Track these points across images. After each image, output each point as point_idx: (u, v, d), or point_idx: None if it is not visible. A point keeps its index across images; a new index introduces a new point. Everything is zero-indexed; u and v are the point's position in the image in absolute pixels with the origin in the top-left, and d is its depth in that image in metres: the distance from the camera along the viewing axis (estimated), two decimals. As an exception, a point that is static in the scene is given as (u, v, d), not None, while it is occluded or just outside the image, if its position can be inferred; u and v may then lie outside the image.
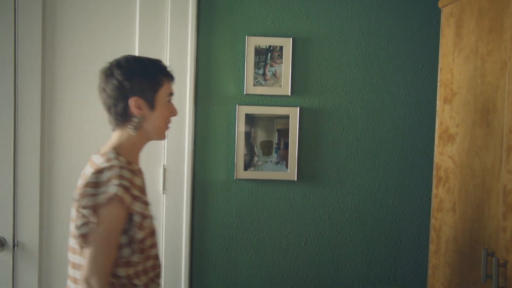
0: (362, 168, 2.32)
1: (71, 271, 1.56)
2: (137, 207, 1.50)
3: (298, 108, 2.28)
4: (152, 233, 1.58)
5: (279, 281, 2.31)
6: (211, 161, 2.29)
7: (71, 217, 1.54)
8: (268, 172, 2.29)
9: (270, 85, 2.29)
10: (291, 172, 2.29)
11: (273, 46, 2.28)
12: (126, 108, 1.54)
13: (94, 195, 1.44)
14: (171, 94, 1.61)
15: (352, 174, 2.32)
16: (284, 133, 2.29)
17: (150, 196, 1.69)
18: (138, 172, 1.58)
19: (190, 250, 2.27)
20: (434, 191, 1.94)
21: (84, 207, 1.43)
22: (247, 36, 2.27)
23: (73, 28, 2.25)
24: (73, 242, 1.53)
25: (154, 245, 1.60)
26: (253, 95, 2.29)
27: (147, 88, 1.54)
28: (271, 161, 2.29)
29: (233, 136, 2.28)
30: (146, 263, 1.56)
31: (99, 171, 1.46)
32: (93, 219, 1.43)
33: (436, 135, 1.94)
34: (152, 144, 2.25)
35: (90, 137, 2.26)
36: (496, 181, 1.58)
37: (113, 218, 1.45)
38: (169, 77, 1.60)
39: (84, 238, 1.44)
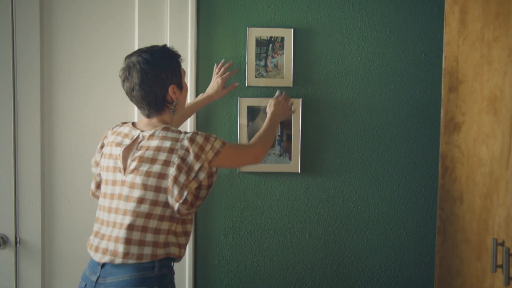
0: (366, 159, 2.30)
1: (111, 217, 1.70)
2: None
3: (301, 99, 2.25)
4: None
5: (283, 274, 2.29)
6: (214, 154, 2.26)
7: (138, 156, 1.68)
8: (271, 164, 2.27)
9: (272, 77, 2.26)
10: (294, 164, 2.27)
11: (274, 37, 2.25)
12: (165, 96, 1.75)
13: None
14: (184, 72, 1.84)
15: (356, 165, 2.30)
16: (286, 125, 2.26)
17: (154, 190, 1.66)
18: None
19: (194, 244, 2.25)
20: (440, 181, 1.92)
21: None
22: (248, 27, 2.24)
23: (70, 22, 2.22)
24: (126, 190, 1.68)
25: None
26: (255, 87, 2.26)
27: (177, 74, 1.77)
28: (274, 154, 2.26)
29: (235, 129, 2.26)
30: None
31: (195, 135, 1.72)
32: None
33: (442, 124, 1.92)
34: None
35: (90, 132, 2.24)
36: (505, 169, 1.56)
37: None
38: (180, 57, 1.80)
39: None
